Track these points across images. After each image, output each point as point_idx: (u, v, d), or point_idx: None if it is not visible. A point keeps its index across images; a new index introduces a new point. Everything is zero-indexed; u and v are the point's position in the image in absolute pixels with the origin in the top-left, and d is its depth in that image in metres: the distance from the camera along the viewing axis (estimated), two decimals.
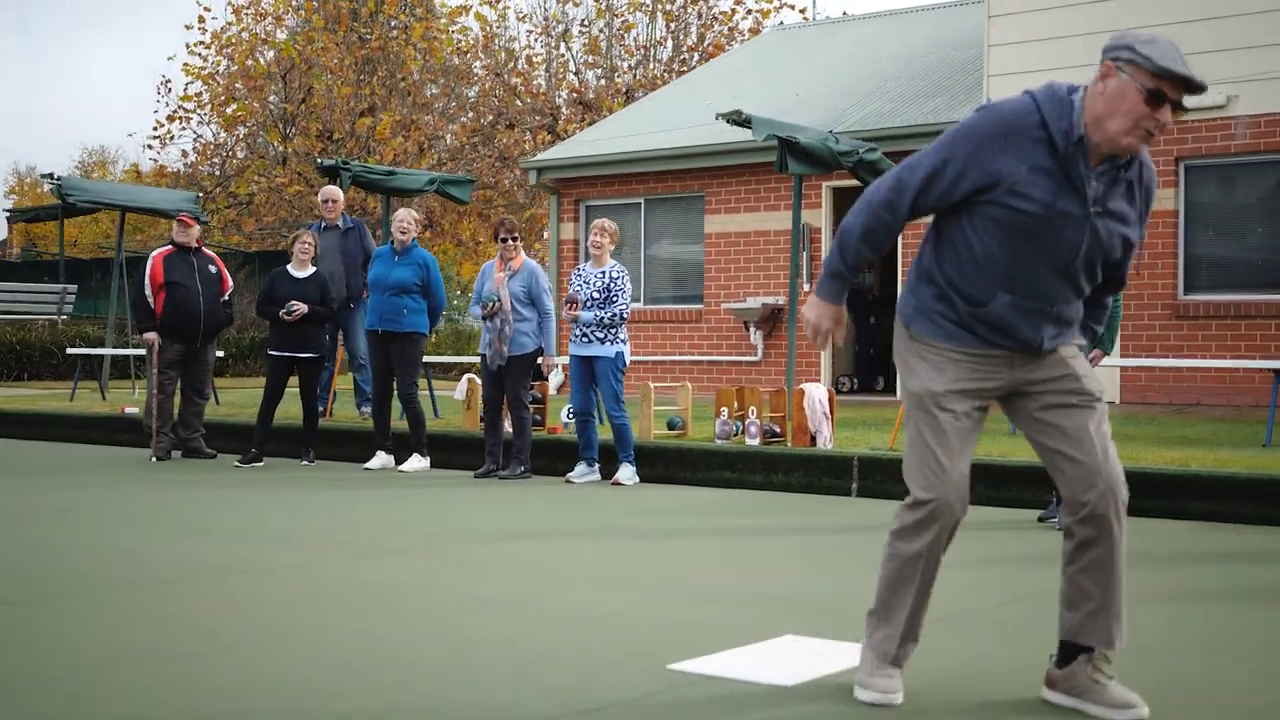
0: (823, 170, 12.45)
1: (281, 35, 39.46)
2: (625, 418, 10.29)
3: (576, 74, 37.63)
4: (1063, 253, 3.86)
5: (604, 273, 10.31)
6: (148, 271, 12.07)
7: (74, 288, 23.80)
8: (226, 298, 12.40)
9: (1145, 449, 9.90)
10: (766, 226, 17.60)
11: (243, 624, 5.10)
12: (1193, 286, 14.88)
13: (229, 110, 38.68)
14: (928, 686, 4.21)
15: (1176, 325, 14.77)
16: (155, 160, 42.91)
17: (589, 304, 10.24)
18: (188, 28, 40.42)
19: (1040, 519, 8.31)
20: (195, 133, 40.59)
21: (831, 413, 10.36)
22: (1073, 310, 4.00)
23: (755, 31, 36.29)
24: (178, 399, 12.29)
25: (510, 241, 10.71)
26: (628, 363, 10.50)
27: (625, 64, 37.42)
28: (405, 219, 11.22)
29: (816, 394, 10.25)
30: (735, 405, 10.68)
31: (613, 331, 10.28)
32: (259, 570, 6.30)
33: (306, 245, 11.79)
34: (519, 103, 36.26)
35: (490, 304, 10.56)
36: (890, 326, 14.99)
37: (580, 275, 10.45)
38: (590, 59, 37.53)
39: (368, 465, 11.40)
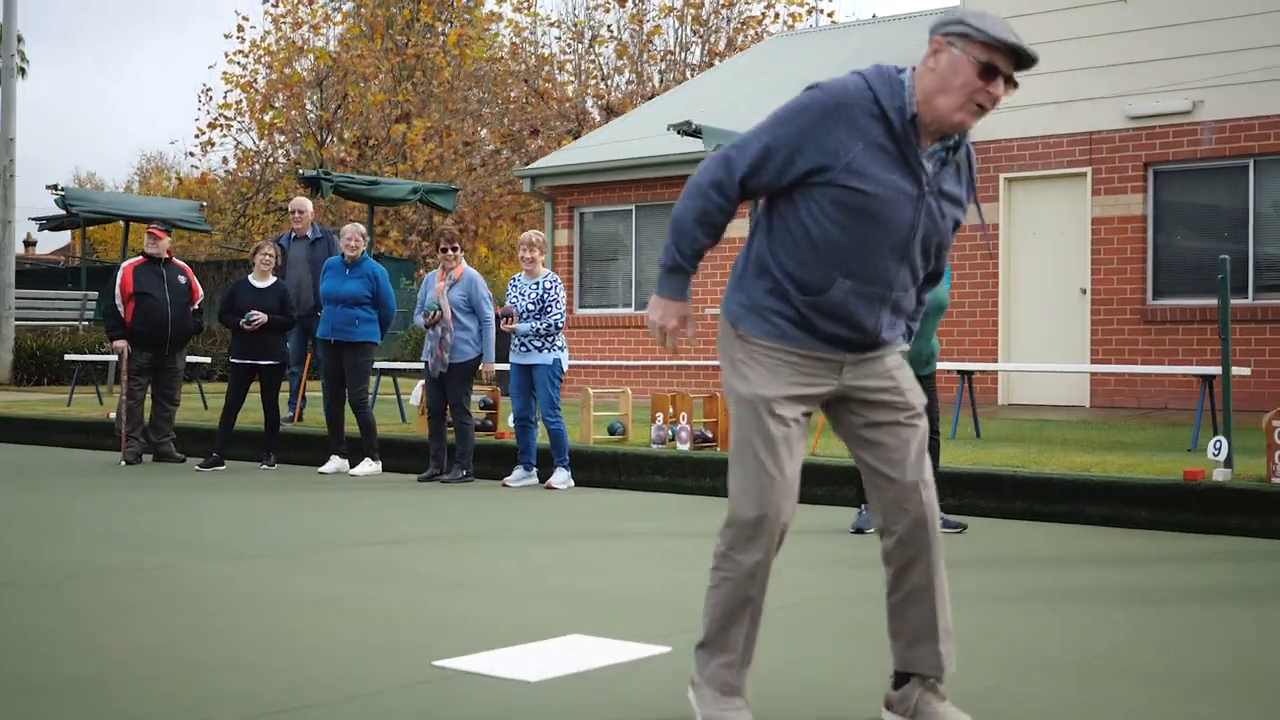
0: None
1: (318, 43, 40.05)
2: (561, 423, 10.57)
3: (605, 80, 37.94)
4: (902, 234, 3.74)
5: (538, 283, 10.60)
6: (118, 281, 12.48)
7: (95, 294, 24.37)
8: (196, 307, 12.78)
9: (1068, 454, 10.07)
10: None
11: (52, 624, 5.43)
12: (1161, 291, 14.96)
13: (266, 118, 39.33)
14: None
15: (1145, 330, 14.86)
16: (196, 167, 43.77)
17: (525, 315, 10.52)
18: (226, 37, 41.07)
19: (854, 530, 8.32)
20: (235, 140, 41.30)
21: None
22: (908, 300, 3.88)
23: None
24: (149, 405, 12.70)
25: (450, 251, 11.02)
26: (565, 369, 10.77)
27: (655, 69, 37.71)
28: (353, 234, 11.57)
29: None
30: (670, 411, 10.94)
31: (549, 340, 10.55)
32: (115, 572, 6.63)
33: (267, 256, 12.16)
34: (547, 108, 36.64)
35: (431, 313, 10.88)
36: None
37: (515, 286, 10.74)
38: (619, 63, 37.85)
39: (322, 469, 11.75)
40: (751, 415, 3.80)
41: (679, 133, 12.36)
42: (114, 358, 18.08)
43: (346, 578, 6.53)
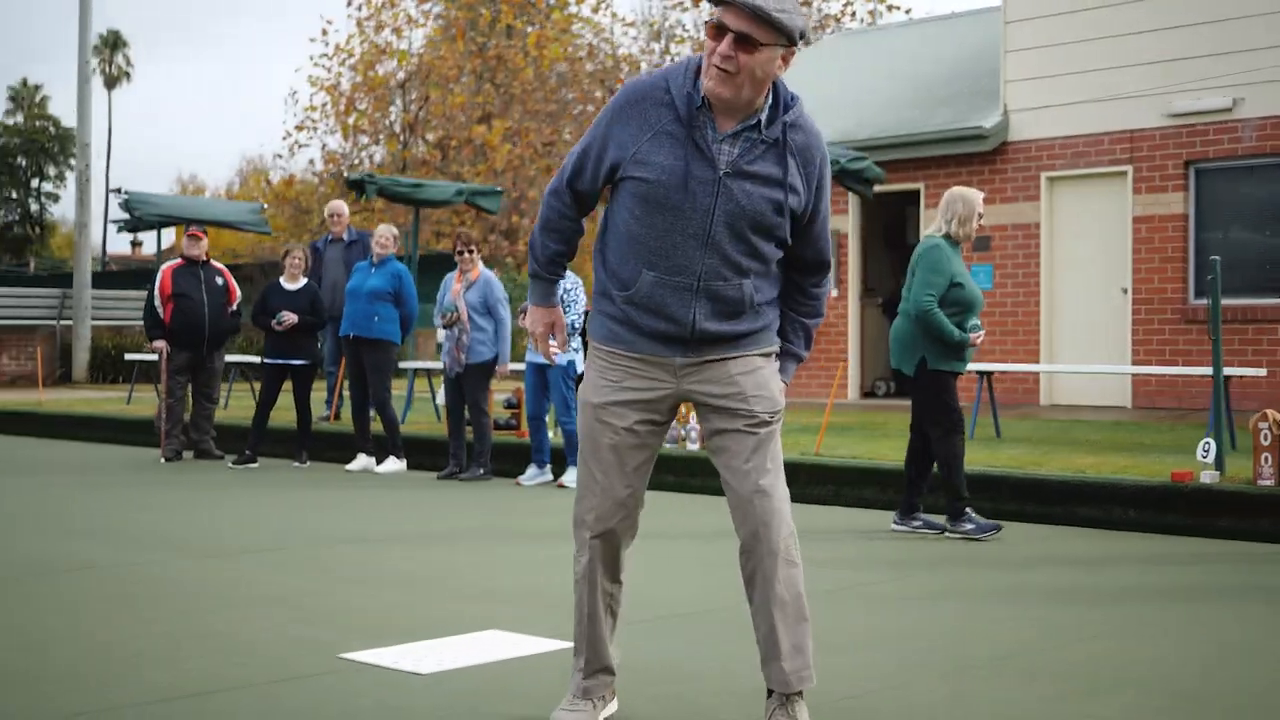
0: None
1: (401, 45, 40.57)
2: (574, 424, 10.71)
3: None
4: (697, 220, 3.67)
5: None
6: (157, 283, 12.83)
7: None
8: (234, 308, 13.09)
9: (1077, 455, 10.04)
10: None
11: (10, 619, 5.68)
12: (1203, 291, 14.78)
13: (350, 120, 39.93)
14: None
15: (1185, 330, 14.70)
16: (284, 169, 44.56)
17: None
18: (311, 40, 41.71)
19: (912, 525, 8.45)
20: (322, 142, 41.98)
21: None
22: (736, 290, 3.75)
23: None
24: (190, 403, 13.05)
25: (466, 254, 11.21)
26: (579, 371, 10.92)
27: None
28: (385, 234, 11.81)
29: None
30: (681, 411, 11.04)
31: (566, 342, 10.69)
32: (94, 568, 6.89)
33: (297, 260, 12.46)
34: None
35: (448, 314, 11.08)
36: None
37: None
38: None
39: (348, 467, 12.01)
40: (584, 420, 3.92)
41: None
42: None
43: (304, 575, 6.72)
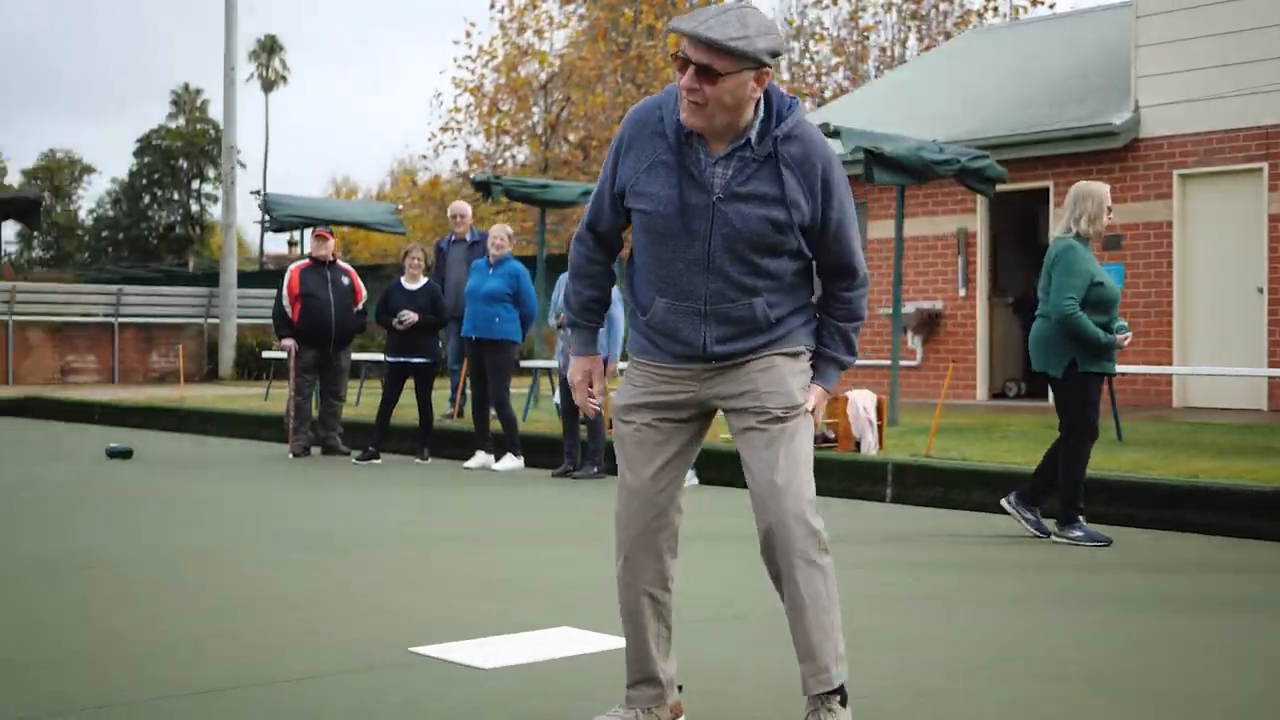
0: (916, 180, 12.66)
1: (543, 47, 40.98)
2: None
3: (818, 77, 37.87)
4: (697, 246, 3.69)
5: None
6: (286, 283, 13.17)
7: None
8: (359, 307, 13.39)
9: (1198, 460, 9.84)
10: (924, 232, 17.69)
11: (64, 603, 5.90)
12: None
13: (493, 121, 40.45)
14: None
15: None
16: (429, 170, 45.30)
17: None
18: (455, 43, 42.31)
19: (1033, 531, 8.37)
20: (466, 143, 42.59)
21: (881, 419, 10.62)
22: (747, 309, 3.74)
23: None
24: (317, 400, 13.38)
25: None
26: None
27: (870, 65, 37.47)
28: (499, 235, 11.98)
29: (861, 401, 10.53)
30: None
31: None
32: (182, 555, 7.12)
33: (416, 260, 12.71)
34: None
35: (562, 314, 11.22)
36: None
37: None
38: (835, 61, 37.74)
39: (467, 465, 12.21)
40: (615, 424, 3.95)
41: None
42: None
43: (399, 569, 6.89)
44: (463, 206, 14.12)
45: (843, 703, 3.75)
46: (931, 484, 9.77)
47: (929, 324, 17.53)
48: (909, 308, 17.49)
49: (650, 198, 3.70)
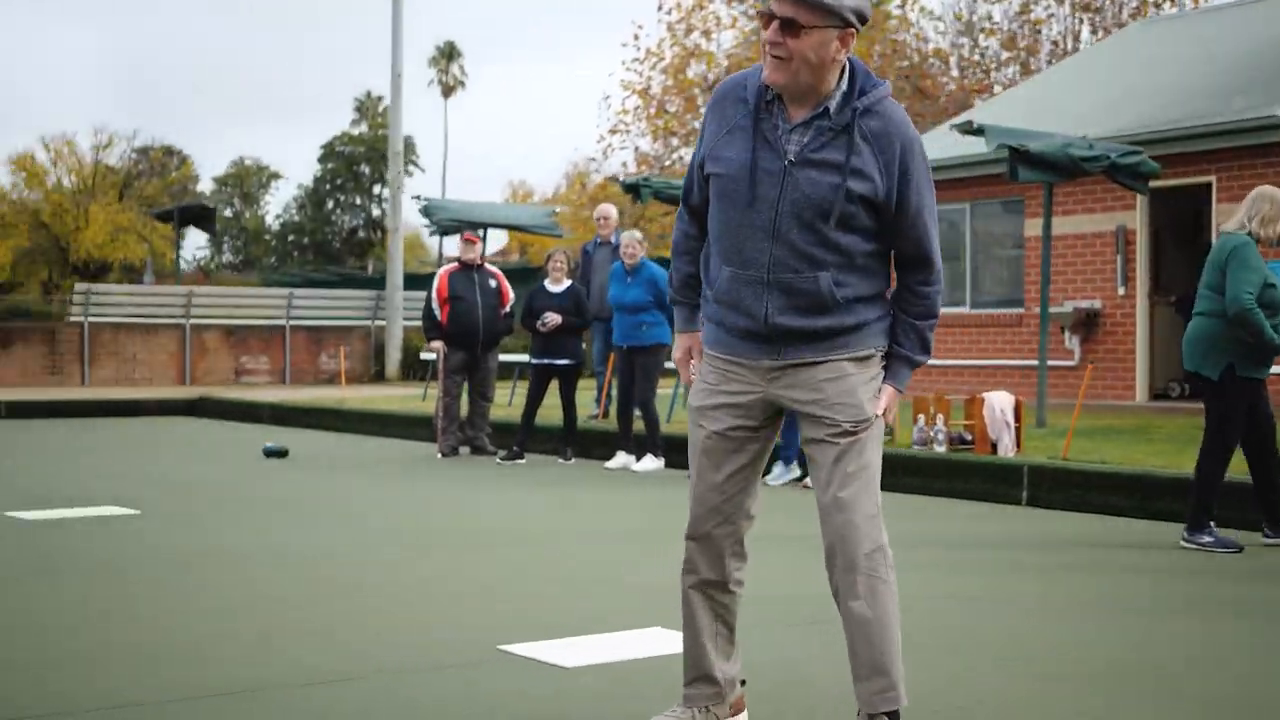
0: (1063, 177, 12.44)
1: (710, 48, 41.04)
2: None
3: (988, 73, 37.27)
4: (763, 211, 3.65)
5: None
6: (435, 286, 13.45)
7: None
8: (507, 310, 13.61)
9: None
10: (1083, 230, 17.33)
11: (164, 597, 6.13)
12: None
13: (659, 123, 40.65)
14: None
15: None
16: (599, 173, 45.70)
17: None
18: (623, 45, 42.66)
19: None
20: (634, 145, 42.88)
21: (1018, 420, 10.46)
22: (811, 283, 3.67)
23: None
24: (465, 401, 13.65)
25: None
26: None
27: (1042, 59, 36.75)
28: (630, 242, 12.10)
29: (998, 402, 10.38)
30: (930, 412, 10.92)
31: None
32: (298, 553, 7.34)
33: (559, 263, 12.89)
34: (930, 105, 36.32)
35: None
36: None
37: None
38: (1004, 56, 37.09)
39: (607, 465, 12.34)
40: (689, 422, 3.94)
41: (962, 132, 12.28)
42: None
43: (510, 566, 7.02)
44: (608, 209, 14.26)
45: None
46: (1068, 487, 9.60)
47: (1087, 323, 17.17)
48: (1066, 307, 17.15)
49: (724, 161, 3.69)
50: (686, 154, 41.61)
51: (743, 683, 4.09)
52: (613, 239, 14.21)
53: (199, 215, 27.13)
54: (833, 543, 3.71)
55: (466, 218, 19.23)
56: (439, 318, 13.39)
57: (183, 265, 72.70)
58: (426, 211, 18.84)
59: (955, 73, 37.94)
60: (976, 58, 37.80)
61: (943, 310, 19.55)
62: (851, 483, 3.68)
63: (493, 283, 13.54)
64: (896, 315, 3.84)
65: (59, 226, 56.76)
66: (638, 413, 12.27)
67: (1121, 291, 16.80)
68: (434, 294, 13.45)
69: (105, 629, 5.43)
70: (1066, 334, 17.30)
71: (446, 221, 18.89)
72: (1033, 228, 17.70)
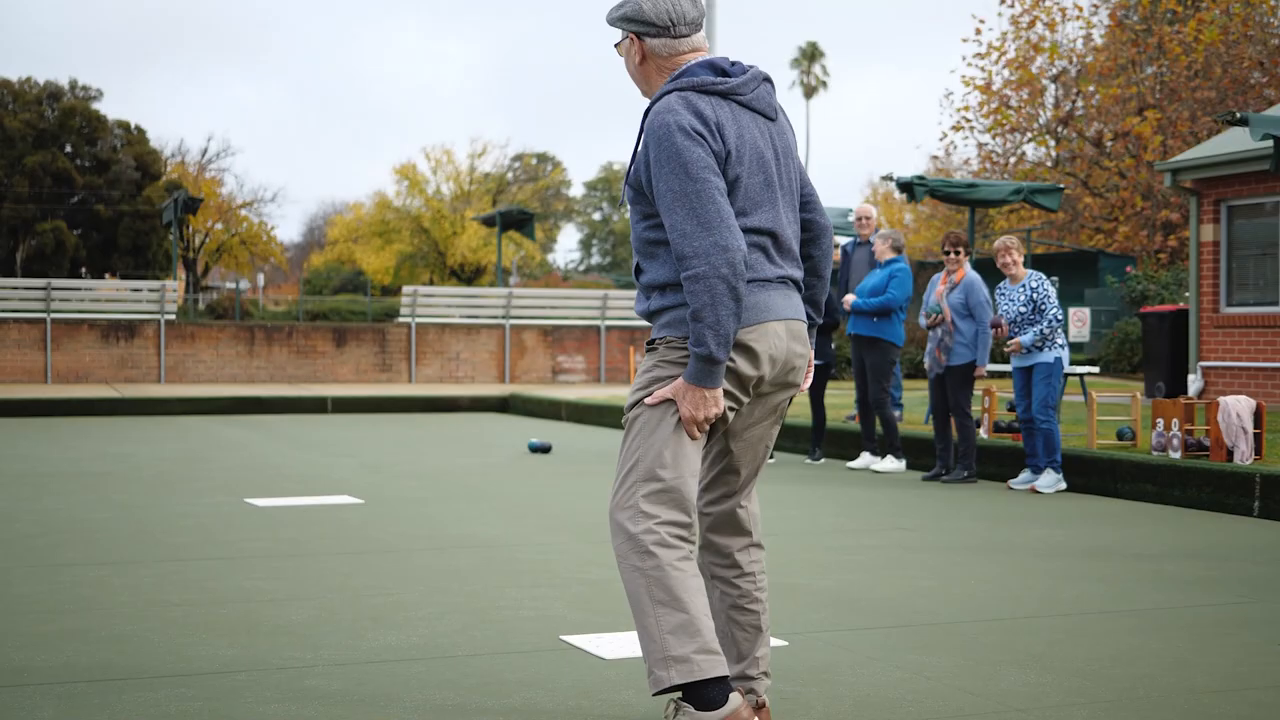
0: None
1: (1055, 39, 39.85)
2: (1053, 423, 10.43)
3: None
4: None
5: (1023, 286, 10.55)
6: None
7: None
8: None
9: None
10: None
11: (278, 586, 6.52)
12: None
13: (1000, 119, 39.76)
14: None
15: None
16: (941, 170, 44.99)
17: (1017, 320, 10.52)
18: (964, 41, 41.95)
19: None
20: (978, 141, 42.05)
21: (1260, 426, 9.89)
22: (647, 272, 3.83)
23: None
24: None
25: (954, 254, 11.18)
26: (1066, 367, 10.68)
27: None
28: (879, 242, 12.01)
29: (1234, 407, 9.84)
30: (1172, 417, 10.45)
31: (1049, 340, 10.49)
32: (458, 540, 7.67)
33: None
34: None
35: (933, 315, 11.12)
36: None
37: (1003, 294, 10.76)
38: None
39: (849, 464, 12.31)
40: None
41: (1224, 123, 11.66)
42: None
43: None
44: (867, 209, 14.16)
45: (701, 706, 3.65)
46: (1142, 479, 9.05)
47: None
48: None
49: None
50: (1030, 149, 40.55)
51: (766, 674, 4.09)
52: (872, 238, 14.11)
53: (518, 220, 28.17)
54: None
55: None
56: None
57: (550, 267, 75.52)
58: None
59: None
60: None
61: (1258, 310, 18.78)
62: (618, 469, 3.81)
63: None
64: None
65: (438, 232, 59.98)
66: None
67: None
68: None
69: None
70: None
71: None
72: None
